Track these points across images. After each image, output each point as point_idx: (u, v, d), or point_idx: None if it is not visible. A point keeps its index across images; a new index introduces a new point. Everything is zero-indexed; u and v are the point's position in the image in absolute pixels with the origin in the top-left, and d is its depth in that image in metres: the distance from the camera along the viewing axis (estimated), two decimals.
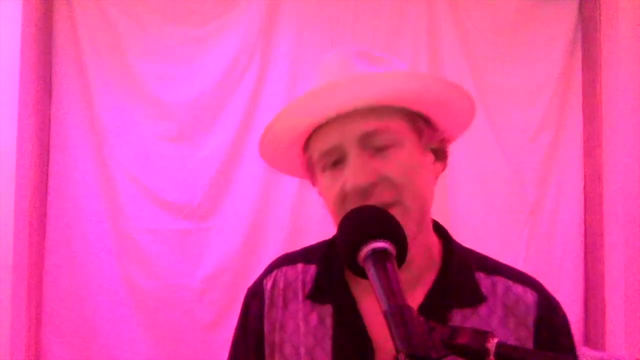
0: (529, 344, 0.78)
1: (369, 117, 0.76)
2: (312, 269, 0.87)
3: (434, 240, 0.85)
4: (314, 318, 0.83)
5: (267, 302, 0.86)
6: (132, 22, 2.25)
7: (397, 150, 0.77)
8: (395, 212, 0.70)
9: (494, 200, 2.31)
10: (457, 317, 0.78)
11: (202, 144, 2.24)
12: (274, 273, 0.89)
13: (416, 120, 0.80)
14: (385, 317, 0.56)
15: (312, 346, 0.81)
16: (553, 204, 2.36)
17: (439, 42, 2.33)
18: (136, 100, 2.24)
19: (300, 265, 0.89)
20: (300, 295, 0.85)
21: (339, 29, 2.28)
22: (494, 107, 2.35)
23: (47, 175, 2.21)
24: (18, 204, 2.02)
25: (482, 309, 0.79)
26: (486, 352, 0.52)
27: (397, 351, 0.52)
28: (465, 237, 2.41)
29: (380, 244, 0.62)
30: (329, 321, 0.82)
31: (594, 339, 2.27)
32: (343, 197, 0.76)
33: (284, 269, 0.89)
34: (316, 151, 0.80)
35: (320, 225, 2.10)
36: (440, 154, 0.84)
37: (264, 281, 0.89)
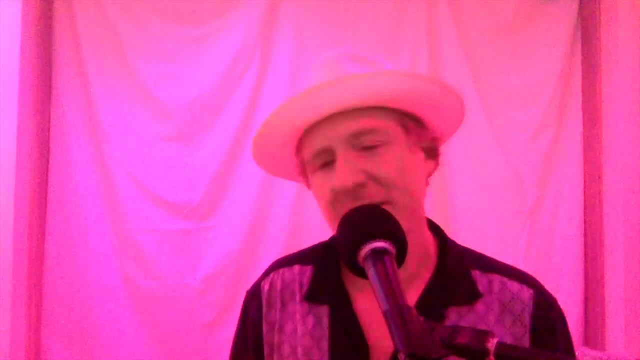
0: (526, 341, 0.78)
1: (357, 118, 0.77)
2: (309, 270, 0.88)
3: (430, 239, 0.85)
4: (311, 319, 0.84)
5: (265, 304, 0.88)
6: (132, 22, 2.25)
7: (386, 149, 0.77)
8: None
9: (493, 200, 2.31)
10: (454, 315, 0.78)
11: (202, 144, 2.24)
12: (271, 275, 0.90)
13: (404, 119, 0.80)
14: (386, 317, 0.56)
15: (309, 347, 0.82)
16: (553, 204, 2.36)
17: (439, 42, 2.33)
18: (136, 100, 2.24)
19: (297, 267, 0.89)
20: (298, 297, 0.86)
21: (339, 29, 2.29)
22: (494, 107, 2.35)
23: (47, 175, 2.21)
24: (18, 204, 2.02)
25: (479, 307, 0.79)
26: (486, 352, 0.52)
27: (398, 351, 0.52)
28: (465, 236, 2.42)
29: (380, 244, 0.62)
30: (326, 322, 0.82)
31: (594, 339, 2.27)
32: (334, 197, 0.76)
33: (281, 271, 0.90)
34: (307, 153, 0.81)
35: (320, 225, 2.09)
36: (431, 153, 0.84)
37: (262, 283, 0.90)
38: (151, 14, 2.26)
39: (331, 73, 0.80)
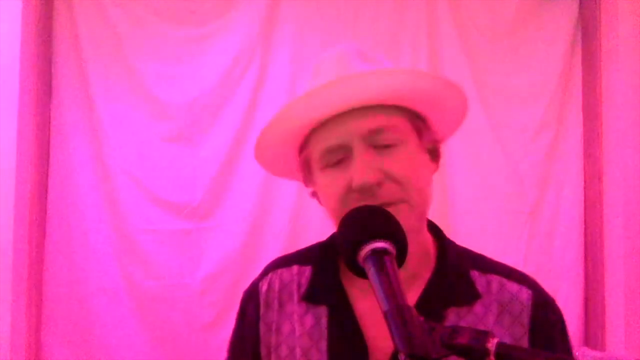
0: (524, 342, 0.78)
1: (374, 115, 0.76)
2: (308, 270, 0.88)
3: (429, 239, 0.85)
4: (309, 319, 0.83)
5: (262, 304, 0.87)
6: (132, 22, 2.25)
7: (402, 148, 0.77)
8: (401, 210, 0.70)
9: (493, 200, 2.31)
10: (453, 316, 0.78)
11: (202, 144, 2.24)
12: (269, 275, 0.90)
13: (415, 120, 0.80)
14: (386, 317, 0.56)
15: (307, 347, 0.81)
16: (553, 204, 2.36)
17: (439, 42, 2.33)
18: (136, 100, 2.24)
19: (295, 267, 0.89)
20: (296, 297, 0.86)
21: (339, 29, 2.29)
22: (494, 107, 2.35)
23: (47, 175, 2.21)
24: (18, 204, 2.01)
25: (477, 307, 0.79)
26: (486, 352, 0.52)
27: (398, 351, 0.52)
28: (465, 236, 2.42)
29: (380, 244, 0.62)
30: (324, 322, 0.82)
31: (594, 339, 2.27)
32: (346, 194, 0.76)
33: (279, 271, 0.90)
34: (317, 150, 0.80)
35: (320, 225, 2.10)
36: (434, 154, 0.84)
37: (260, 284, 0.90)
38: (151, 14, 2.26)
39: (341, 69, 0.80)
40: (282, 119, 0.79)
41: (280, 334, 0.84)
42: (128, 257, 2.19)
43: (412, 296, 0.79)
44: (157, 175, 2.22)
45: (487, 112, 2.33)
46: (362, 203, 0.71)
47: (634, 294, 2.15)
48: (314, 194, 0.87)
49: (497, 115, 2.35)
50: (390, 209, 0.69)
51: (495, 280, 0.82)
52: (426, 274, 0.82)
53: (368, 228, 0.65)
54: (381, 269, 0.60)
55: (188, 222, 2.22)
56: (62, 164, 2.21)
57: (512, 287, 0.81)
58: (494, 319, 0.79)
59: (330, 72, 0.81)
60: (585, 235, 2.35)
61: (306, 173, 0.86)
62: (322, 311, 0.83)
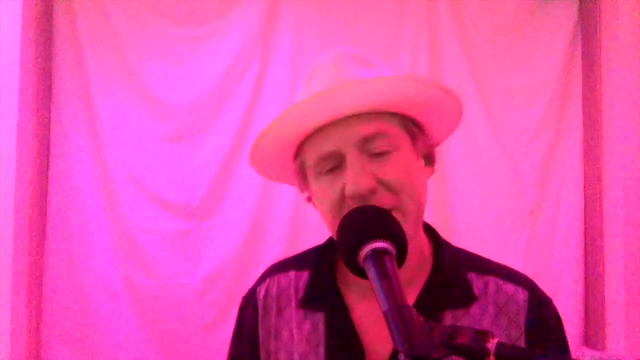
0: (521, 343, 0.78)
1: (368, 122, 0.76)
2: (305, 275, 0.88)
3: (425, 242, 0.85)
4: (307, 325, 0.84)
5: (260, 310, 0.88)
6: (132, 22, 2.25)
7: (395, 155, 0.76)
8: (395, 217, 0.70)
9: (493, 200, 2.31)
10: (450, 318, 0.78)
11: (202, 144, 2.24)
12: (266, 281, 0.90)
13: (409, 125, 0.80)
14: (386, 317, 0.56)
15: (306, 353, 0.82)
16: (553, 204, 2.36)
17: (439, 42, 2.33)
18: (136, 100, 2.24)
19: (292, 273, 0.89)
20: (293, 303, 0.86)
21: (339, 29, 2.29)
22: (494, 107, 2.35)
23: (47, 175, 2.21)
24: (18, 204, 2.01)
25: (474, 309, 0.79)
26: (486, 352, 0.52)
27: (398, 351, 0.52)
28: (465, 237, 2.41)
29: (380, 244, 0.62)
30: (322, 328, 0.83)
31: (594, 339, 2.27)
32: (341, 201, 0.75)
33: (276, 276, 0.90)
34: (312, 157, 0.79)
35: (319, 225, 2.09)
36: (429, 159, 0.84)
37: (257, 289, 0.90)
38: (151, 14, 2.26)
39: (336, 75, 0.80)
40: (277, 127, 0.79)
41: (279, 340, 0.85)
42: (128, 257, 2.19)
43: (409, 299, 0.78)
44: (157, 175, 2.22)
45: (487, 112, 2.33)
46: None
47: (634, 294, 2.15)
48: (310, 199, 0.87)
49: (497, 115, 2.35)
50: None
51: (492, 281, 0.82)
52: (423, 278, 0.82)
53: (368, 228, 0.65)
54: (381, 269, 0.60)
55: (188, 222, 2.22)
56: (62, 164, 2.21)
57: (509, 288, 0.81)
58: (490, 320, 0.79)
59: (325, 79, 0.80)
60: (585, 235, 2.35)
61: (301, 179, 0.85)
62: (320, 317, 0.83)
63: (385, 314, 0.56)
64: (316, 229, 2.14)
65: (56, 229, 2.20)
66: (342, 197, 0.75)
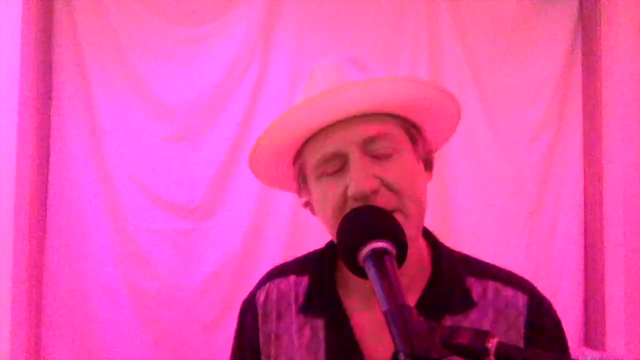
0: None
1: (370, 123, 0.76)
2: (305, 280, 0.88)
3: (423, 245, 0.85)
4: (307, 331, 0.84)
5: (260, 314, 0.88)
6: (132, 22, 2.25)
7: (397, 157, 0.76)
8: (397, 218, 0.70)
9: (494, 200, 2.31)
10: (448, 323, 0.78)
11: (202, 144, 2.24)
12: (266, 286, 0.90)
13: (409, 128, 0.80)
14: (386, 317, 0.56)
15: (306, 359, 0.82)
16: (553, 204, 2.36)
17: (439, 42, 2.33)
18: (136, 100, 2.24)
19: (292, 277, 0.89)
20: (294, 308, 0.86)
21: (339, 29, 2.29)
22: (494, 107, 2.35)
23: (47, 175, 2.21)
24: (18, 204, 2.02)
25: (473, 314, 0.79)
26: (486, 352, 0.52)
27: (398, 351, 0.52)
28: (466, 237, 2.41)
29: (380, 244, 0.62)
30: (321, 334, 0.83)
31: (594, 339, 2.27)
32: (343, 203, 0.75)
33: (276, 281, 0.90)
34: (313, 159, 0.79)
35: (319, 226, 2.09)
36: (428, 164, 0.84)
37: (257, 294, 0.90)
38: (151, 14, 2.26)
39: (337, 76, 0.79)
40: (277, 129, 0.78)
41: (279, 345, 0.85)
42: (128, 257, 2.19)
43: (409, 303, 0.79)
44: (157, 175, 2.22)
45: (487, 112, 2.33)
46: None
47: (634, 294, 2.15)
48: (307, 204, 0.87)
49: (497, 115, 2.35)
50: None
51: (492, 286, 0.82)
52: (421, 283, 0.82)
53: (368, 228, 0.65)
54: (381, 268, 0.60)
55: (188, 222, 2.22)
56: (62, 164, 2.21)
57: (508, 292, 0.81)
58: (489, 325, 0.79)
59: (325, 81, 0.80)
60: (585, 235, 2.35)
61: (300, 182, 0.85)
62: (320, 323, 0.83)
63: (385, 313, 0.56)
64: (316, 229, 2.14)
65: (56, 229, 2.20)
66: (344, 199, 0.75)
